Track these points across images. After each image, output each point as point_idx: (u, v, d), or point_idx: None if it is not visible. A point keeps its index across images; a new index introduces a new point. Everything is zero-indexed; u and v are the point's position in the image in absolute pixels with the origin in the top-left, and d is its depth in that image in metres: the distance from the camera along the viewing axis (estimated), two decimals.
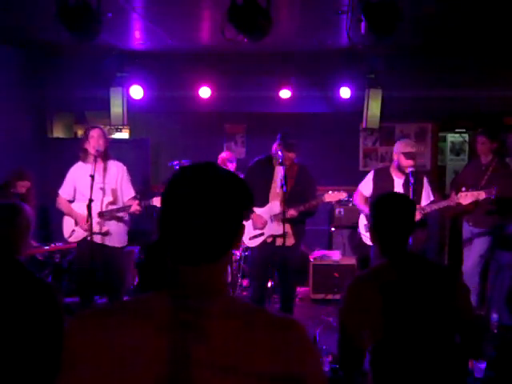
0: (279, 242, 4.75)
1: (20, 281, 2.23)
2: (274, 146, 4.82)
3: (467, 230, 5.39)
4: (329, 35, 5.77)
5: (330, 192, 4.77)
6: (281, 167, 4.62)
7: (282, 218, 4.58)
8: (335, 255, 6.38)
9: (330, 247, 7.01)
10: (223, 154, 6.71)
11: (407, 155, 4.78)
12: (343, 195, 4.76)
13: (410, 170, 4.68)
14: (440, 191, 7.50)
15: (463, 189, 4.71)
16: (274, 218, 4.79)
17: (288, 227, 4.74)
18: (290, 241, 4.82)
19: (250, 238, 4.85)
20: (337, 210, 6.84)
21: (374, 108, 6.38)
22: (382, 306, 2.11)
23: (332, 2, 4.62)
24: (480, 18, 5.09)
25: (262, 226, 4.77)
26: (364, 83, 6.42)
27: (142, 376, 1.11)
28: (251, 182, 4.63)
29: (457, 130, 9.68)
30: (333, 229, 6.91)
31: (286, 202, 4.60)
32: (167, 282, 1.20)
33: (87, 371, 1.12)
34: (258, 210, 4.81)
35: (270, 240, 4.84)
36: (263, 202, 4.83)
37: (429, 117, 7.41)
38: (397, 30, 3.76)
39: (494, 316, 4.91)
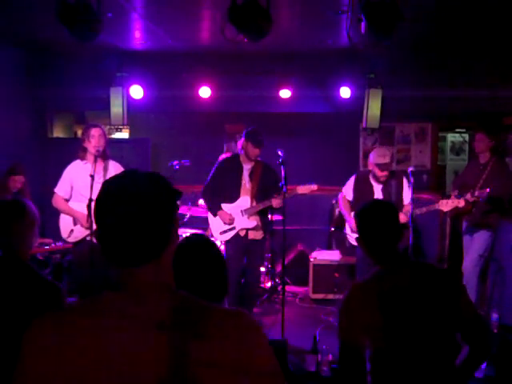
0: (251, 235, 4.98)
1: (25, 280, 2.22)
2: (240, 143, 5.06)
3: (467, 230, 5.39)
4: (329, 35, 5.77)
5: (302, 185, 4.92)
6: (281, 167, 4.71)
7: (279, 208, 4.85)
8: (335, 255, 6.38)
9: (329, 247, 7.01)
10: (223, 155, 6.72)
11: (381, 167, 4.87)
12: (314, 187, 4.91)
13: (410, 169, 4.78)
14: (440, 191, 7.52)
15: (452, 195, 4.81)
16: (245, 212, 4.92)
17: (258, 221, 4.97)
18: (260, 234, 5.03)
19: (221, 233, 4.99)
20: (336, 210, 6.84)
21: (374, 108, 6.39)
22: (380, 314, 2.09)
23: (332, 2, 4.62)
24: (480, 18, 5.09)
25: (230, 221, 4.92)
26: (364, 83, 6.43)
27: (142, 376, 1.11)
28: (221, 178, 4.96)
29: (457, 130, 9.70)
30: (333, 229, 6.91)
31: (255, 197, 4.91)
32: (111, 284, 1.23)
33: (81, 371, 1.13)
34: (229, 205, 4.95)
35: (242, 233, 4.99)
36: (234, 197, 4.97)
37: (429, 117, 7.42)
38: (397, 30, 3.76)
39: (494, 316, 4.91)
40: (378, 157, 4.89)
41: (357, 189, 5.10)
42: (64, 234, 4.63)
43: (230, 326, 1.16)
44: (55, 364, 1.13)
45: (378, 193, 4.98)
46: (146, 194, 1.20)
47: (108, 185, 1.23)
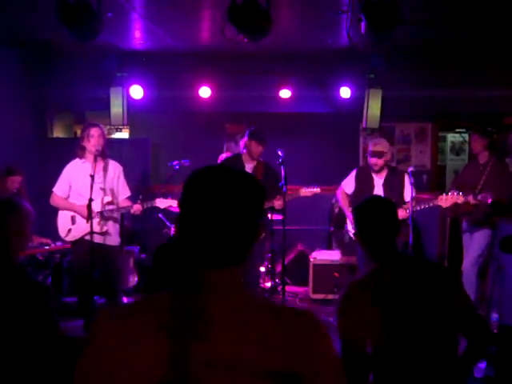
0: None
1: (10, 282, 2.20)
2: (243, 142, 5.06)
3: (467, 229, 5.39)
4: (329, 35, 5.78)
5: (305, 188, 4.95)
6: (281, 167, 4.73)
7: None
8: (335, 255, 6.37)
9: (329, 247, 7.01)
10: (223, 155, 6.72)
11: (371, 153, 4.90)
12: (318, 190, 4.98)
13: (410, 169, 4.79)
14: (440, 191, 7.51)
15: (452, 191, 4.80)
16: None
17: None
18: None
19: None
20: (336, 210, 6.84)
21: (374, 108, 6.39)
22: (379, 311, 2.09)
23: (332, 2, 4.63)
24: (480, 18, 5.10)
25: None
26: (364, 83, 6.42)
27: (142, 376, 1.11)
28: None
29: (457, 130, 9.69)
30: (332, 229, 6.90)
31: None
32: (176, 283, 1.20)
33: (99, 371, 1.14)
34: None
35: None
36: None
37: (429, 117, 7.41)
38: (397, 30, 3.77)
39: (494, 316, 4.91)
40: (370, 144, 4.99)
41: (358, 182, 5.09)
42: (62, 233, 4.63)
43: (233, 324, 1.16)
44: (107, 361, 1.14)
45: (378, 186, 4.97)
46: (247, 193, 1.19)
47: (204, 180, 1.19)
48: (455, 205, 4.83)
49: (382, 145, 4.91)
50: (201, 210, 1.16)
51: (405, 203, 4.93)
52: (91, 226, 4.36)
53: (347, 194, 5.19)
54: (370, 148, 4.94)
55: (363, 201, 2.36)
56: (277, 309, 1.22)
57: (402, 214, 4.72)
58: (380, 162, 4.88)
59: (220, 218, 1.15)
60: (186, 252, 1.20)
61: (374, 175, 5.03)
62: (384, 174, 4.99)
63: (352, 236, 5.21)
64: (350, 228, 5.19)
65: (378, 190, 4.96)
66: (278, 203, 4.79)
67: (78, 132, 8.30)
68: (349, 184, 5.18)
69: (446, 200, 4.72)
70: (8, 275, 2.22)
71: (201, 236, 1.17)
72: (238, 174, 1.21)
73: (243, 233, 1.18)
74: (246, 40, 3.89)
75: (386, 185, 4.96)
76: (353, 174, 5.19)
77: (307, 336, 1.18)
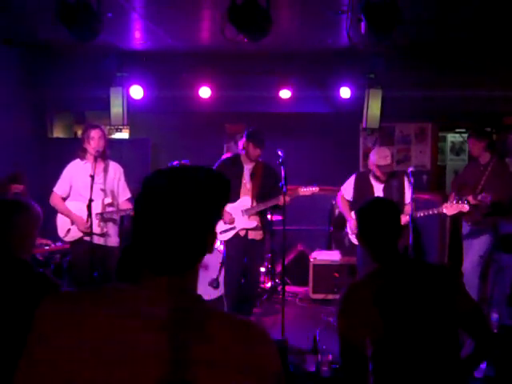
0: (251, 235, 4.99)
1: (23, 279, 2.21)
2: (241, 143, 5.08)
3: (467, 230, 5.39)
4: (329, 35, 5.77)
5: (304, 187, 4.95)
6: (281, 167, 4.71)
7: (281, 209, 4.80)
8: (335, 255, 6.37)
9: (329, 247, 7.01)
10: (227, 155, 6.71)
11: (382, 168, 4.88)
12: (316, 190, 4.94)
13: (410, 169, 4.79)
14: (440, 191, 7.52)
15: (454, 196, 4.80)
16: (246, 212, 4.94)
17: (258, 221, 4.99)
18: (260, 234, 5.04)
19: (221, 233, 4.98)
20: (336, 210, 6.84)
21: (374, 108, 6.39)
22: (378, 312, 2.09)
23: (332, 2, 4.62)
24: (480, 18, 5.09)
25: (230, 220, 4.92)
26: (364, 83, 6.43)
27: (142, 375, 1.10)
28: None
29: (457, 130, 9.70)
30: (332, 229, 6.90)
31: (256, 197, 4.91)
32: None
33: (76, 365, 1.10)
34: (229, 205, 4.94)
35: (242, 233, 4.99)
36: (235, 197, 4.98)
37: (429, 117, 7.42)
38: (397, 30, 3.76)
39: (495, 316, 4.90)
40: (379, 158, 4.89)
41: (357, 188, 5.09)
42: (61, 232, 4.63)
43: (231, 326, 1.17)
44: (57, 350, 1.09)
45: (378, 192, 4.97)
46: (203, 196, 1.16)
47: (160, 183, 1.16)
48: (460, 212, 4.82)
49: (389, 157, 4.91)
50: (151, 213, 1.14)
51: (405, 206, 4.94)
52: (91, 226, 4.36)
53: (347, 200, 5.18)
54: (380, 162, 4.87)
55: (367, 202, 2.36)
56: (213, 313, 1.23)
57: (403, 219, 4.71)
58: (389, 173, 4.95)
59: (170, 222, 1.13)
60: (139, 253, 1.17)
61: (373, 181, 5.01)
62: (382, 182, 5.00)
63: (352, 239, 5.21)
64: (350, 231, 5.19)
65: (378, 195, 4.94)
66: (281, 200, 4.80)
67: (78, 132, 8.30)
68: (347, 190, 5.17)
69: (451, 208, 4.72)
70: (16, 271, 2.23)
71: (152, 239, 1.15)
72: (194, 178, 1.17)
73: (195, 237, 1.16)
74: (246, 40, 3.89)
75: (386, 189, 4.94)
76: (351, 179, 5.17)
77: (251, 338, 1.18)
